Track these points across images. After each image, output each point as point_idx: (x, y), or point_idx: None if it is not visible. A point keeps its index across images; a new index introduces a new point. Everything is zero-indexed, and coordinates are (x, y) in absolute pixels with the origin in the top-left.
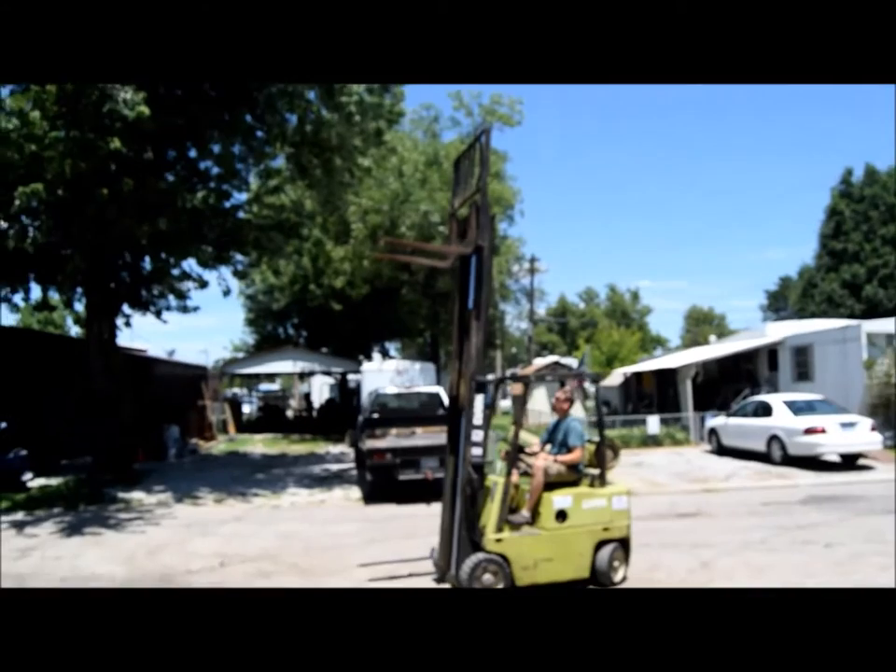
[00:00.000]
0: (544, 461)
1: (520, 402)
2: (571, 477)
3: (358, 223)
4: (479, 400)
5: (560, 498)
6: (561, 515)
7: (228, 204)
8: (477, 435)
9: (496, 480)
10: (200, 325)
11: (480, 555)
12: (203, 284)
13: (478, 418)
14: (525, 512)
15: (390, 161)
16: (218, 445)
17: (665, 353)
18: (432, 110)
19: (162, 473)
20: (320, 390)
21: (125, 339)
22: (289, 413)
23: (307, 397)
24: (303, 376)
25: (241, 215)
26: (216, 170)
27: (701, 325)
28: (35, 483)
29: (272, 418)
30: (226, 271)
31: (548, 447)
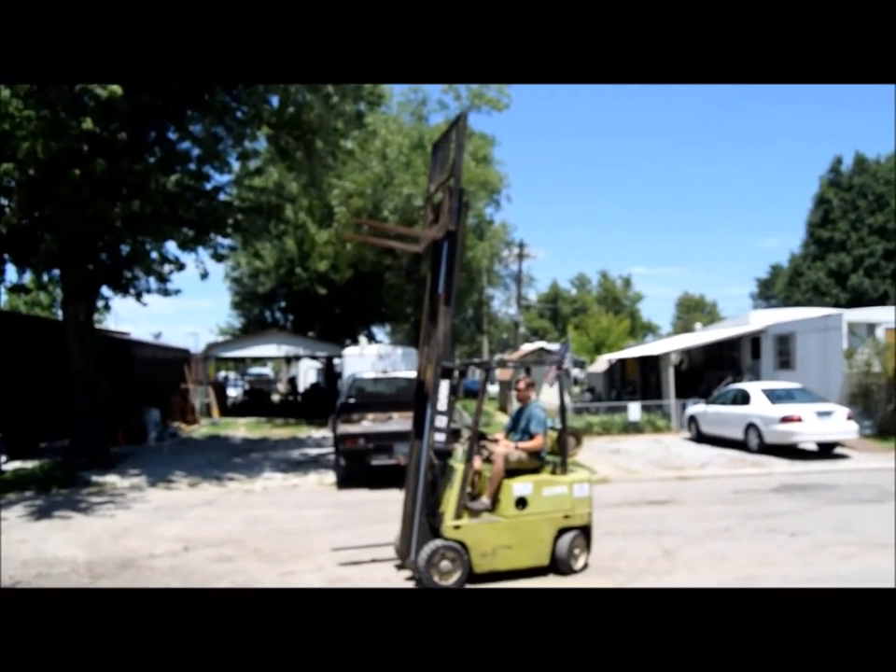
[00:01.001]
0: (504, 448)
1: (505, 387)
2: (532, 464)
3: (341, 207)
4: (444, 386)
5: (520, 486)
6: (521, 502)
7: (208, 186)
8: (441, 421)
9: (456, 466)
10: (192, 307)
11: (438, 542)
12: (180, 266)
13: (442, 404)
14: (484, 499)
15: (374, 143)
16: (200, 429)
17: (656, 340)
18: (420, 93)
19: (140, 457)
20: (305, 374)
21: (112, 321)
22: (275, 398)
23: (292, 381)
24: (290, 360)
25: (221, 197)
26: (196, 151)
27: (692, 312)
28: (10, 465)
29: (257, 402)
30: (204, 253)
31: (511, 434)
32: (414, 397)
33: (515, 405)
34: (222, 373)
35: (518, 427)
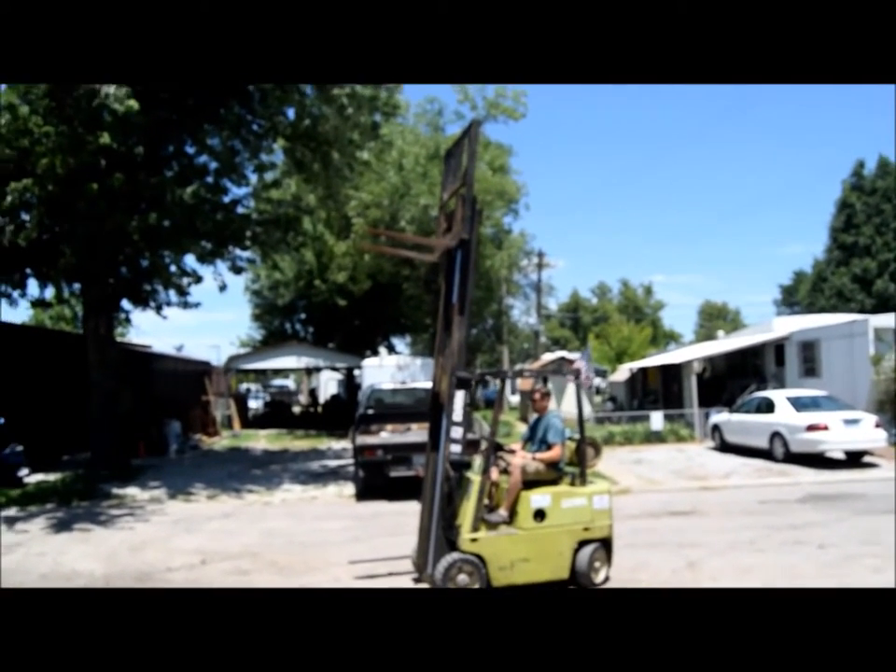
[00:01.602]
0: (522, 459)
1: (526, 397)
2: (551, 475)
3: (359, 218)
4: (459, 396)
5: (538, 497)
6: (539, 514)
7: (226, 199)
8: (456, 431)
9: (473, 478)
10: (214, 320)
11: (455, 555)
12: (198, 279)
13: (458, 414)
14: (502, 511)
15: (390, 154)
16: (221, 441)
17: (679, 348)
18: (436, 103)
19: (160, 469)
20: (326, 386)
21: (135, 334)
22: (296, 409)
23: (313, 392)
24: (310, 372)
25: (239, 210)
26: (213, 164)
27: (715, 320)
28: (32, 478)
29: (278, 414)
30: (223, 266)
31: (528, 445)
32: (430, 408)
33: (534, 415)
34: (244, 385)
35: (535, 438)
